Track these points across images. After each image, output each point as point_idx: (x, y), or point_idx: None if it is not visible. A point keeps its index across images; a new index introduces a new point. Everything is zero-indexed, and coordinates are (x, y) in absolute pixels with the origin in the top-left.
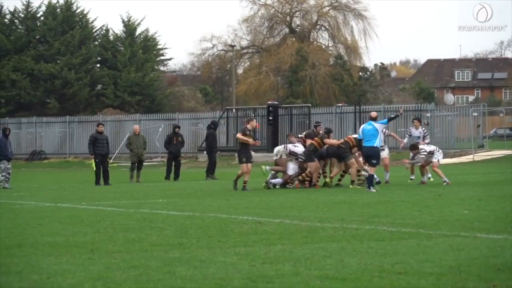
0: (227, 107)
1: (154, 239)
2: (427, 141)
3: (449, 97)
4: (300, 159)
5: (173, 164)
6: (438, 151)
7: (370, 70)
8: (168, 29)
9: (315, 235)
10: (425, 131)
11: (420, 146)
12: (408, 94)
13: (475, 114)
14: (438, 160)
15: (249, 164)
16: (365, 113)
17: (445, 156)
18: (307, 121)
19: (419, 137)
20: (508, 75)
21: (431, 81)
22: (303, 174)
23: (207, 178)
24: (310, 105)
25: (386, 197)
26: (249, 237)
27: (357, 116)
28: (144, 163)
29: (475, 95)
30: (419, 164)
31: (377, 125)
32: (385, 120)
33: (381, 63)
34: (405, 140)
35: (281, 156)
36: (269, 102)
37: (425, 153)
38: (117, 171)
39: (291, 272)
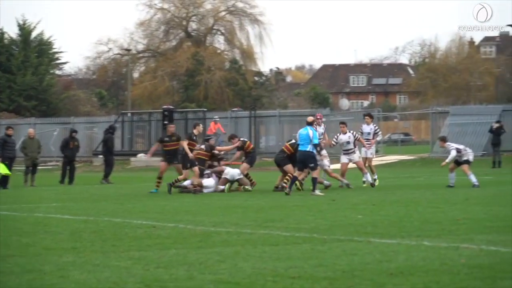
0: (122, 111)
1: (48, 243)
2: (378, 138)
3: (344, 102)
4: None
5: (68, 168)
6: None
7: (265, 75)
8: (64, 32)
9: (209, 239)
10: (376, 127)
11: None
12: (304, 99)
13: None
14: (329, 166)
15: (195, 168)
16: (260, 118)
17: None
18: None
19: (369, 133)
20: (403, 80)
21: (326, 86)
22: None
23: (102, 182)
24: (205, 109)
25: (280, 202)
26: (143, 241)
27: (252, 121)
28: (38, 167)
29: (370, 100)
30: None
31: (310, 131)
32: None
33: (277, 68)
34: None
35: None
36: (165, 106)
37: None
38: (11, 174)
39: (185, 276)
